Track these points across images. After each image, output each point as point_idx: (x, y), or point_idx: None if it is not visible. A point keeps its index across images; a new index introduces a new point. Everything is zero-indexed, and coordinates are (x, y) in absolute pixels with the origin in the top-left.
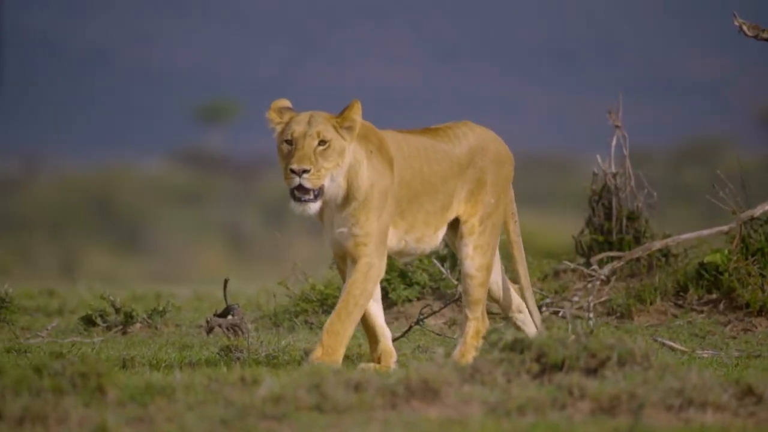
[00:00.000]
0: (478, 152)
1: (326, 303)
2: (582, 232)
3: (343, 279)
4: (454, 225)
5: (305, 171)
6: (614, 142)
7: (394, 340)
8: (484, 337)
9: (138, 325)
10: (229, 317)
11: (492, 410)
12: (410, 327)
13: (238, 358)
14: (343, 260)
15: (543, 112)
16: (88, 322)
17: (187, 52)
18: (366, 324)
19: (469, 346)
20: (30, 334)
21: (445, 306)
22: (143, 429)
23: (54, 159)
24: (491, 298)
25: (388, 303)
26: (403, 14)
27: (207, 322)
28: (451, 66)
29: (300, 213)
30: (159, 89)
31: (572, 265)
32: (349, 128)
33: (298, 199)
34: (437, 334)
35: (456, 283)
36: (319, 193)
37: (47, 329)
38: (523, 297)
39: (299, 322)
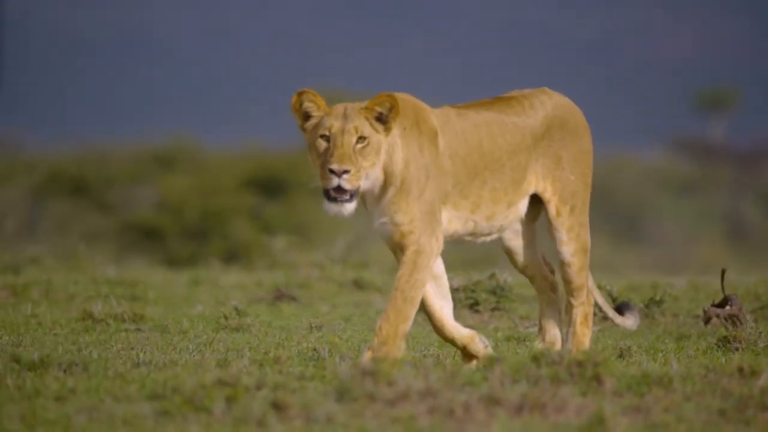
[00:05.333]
0: (555, 123)
1: None
2: None
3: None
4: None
5: (346, 172)
6: None
7: None
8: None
9: None
10: (727, 307)
11: None
12: None
13: (737, 349)
14: (394, 250)
15: None
16: None
17: (681, 39)
18: (434, 326)
19: (581, 335)
20: (529, 323)
21: None
22: (639, 418)
23: None
24: (526, 275)
25: None
26: None
27: (704, 312)
28: None
29: (335, 214)
30: (657, 77)
31: None
32: (381, 122)
33: (333, 200)
34: None
35: None
36: (355, 192)
37: None
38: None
39: None
